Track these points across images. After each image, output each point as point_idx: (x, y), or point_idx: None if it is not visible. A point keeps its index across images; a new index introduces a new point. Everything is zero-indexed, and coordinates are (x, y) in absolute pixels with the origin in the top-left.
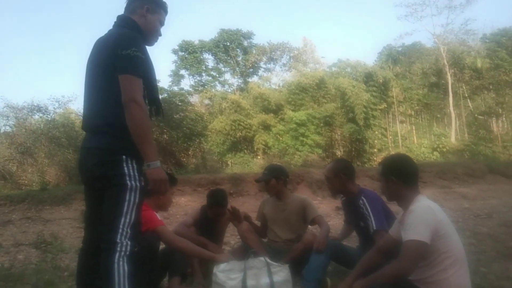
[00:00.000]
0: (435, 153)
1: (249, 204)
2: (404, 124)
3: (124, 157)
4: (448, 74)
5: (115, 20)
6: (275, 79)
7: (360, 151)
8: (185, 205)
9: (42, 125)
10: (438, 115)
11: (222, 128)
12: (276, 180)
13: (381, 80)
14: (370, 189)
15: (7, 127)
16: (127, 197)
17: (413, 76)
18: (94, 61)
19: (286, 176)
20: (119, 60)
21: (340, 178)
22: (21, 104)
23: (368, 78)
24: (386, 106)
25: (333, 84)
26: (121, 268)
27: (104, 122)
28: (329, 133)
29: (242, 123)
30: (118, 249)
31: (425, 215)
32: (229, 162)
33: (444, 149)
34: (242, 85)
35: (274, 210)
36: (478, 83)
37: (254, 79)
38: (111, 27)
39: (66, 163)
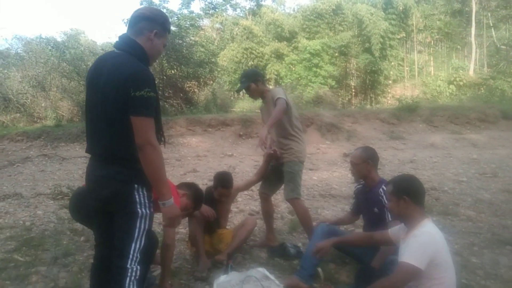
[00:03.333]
0: (451, 86)
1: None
2: (422, 54)
3: (136, 185)
4: (473, 1)
5: (117, 39)
6: (290, 2)
7: (375, 83)
8: (196, 146)
9: (52, 58)
10: (459, 46)
11: (233, 56)
12: (255, 83)
13: (401, 8)
14: (378, 133)
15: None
16: (138, 224)
17: (436, 0)
18: (101, 91)
19: (262, 76)
20: (132, 102)
21: (368, 164)
22: (29, 37)
23: (388, 5)
24: (404, 35)
25: (350, 11)
26: None
27: (114, 154)
28: (343, 63)
29: (254, 51)
30: (129, 274)
31: (426, 243)
32: (240, 92)
33: (461, 83)
34: (254, 8)
35: (264, 113)
36: (504, 12)
37: (268, 1)
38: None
39: (78, 96)
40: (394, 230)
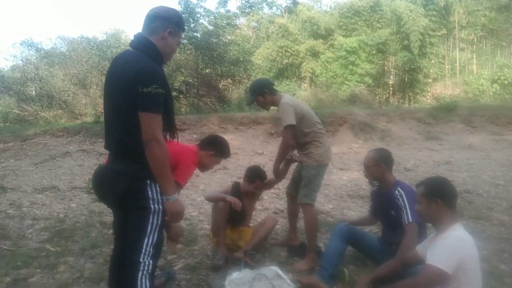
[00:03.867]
0: (494, 85)
1: None
2: (465, 52)
3: (148, 181)
4: None
5: (132, 38)
6: None
7: (414, 81)
8: None
9: (93, 56)
10: (504, 43)
11: (268, 54)
12: (261, 96)
13: (442, 4)
14: (414, 133)
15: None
16: (151, 220)
17: None
18: (114, 88)
19: (268, 86)
20: (140, 98)
21: (380, 167)
22: (71, 37)
23: (428, 1)
24: (445, 32)
25: (389, 7)
26: (143, 285)
27: (127, 150)
28: (381, 61)
29: (289, 50)
30: (141, 268)
31: (456, 247)
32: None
33: (506, 82)
34: (291, 6)
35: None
36: None
37: None
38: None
39: None
40: (421, 245)
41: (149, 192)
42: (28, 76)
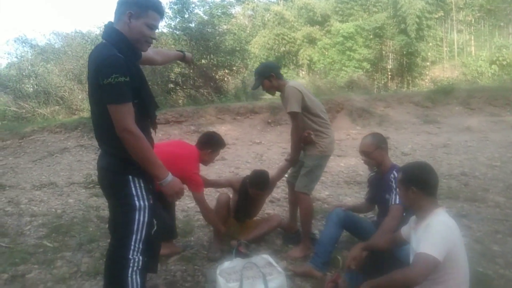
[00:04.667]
0: (493, 66)
1: (286, 134)
2: (463, 34)
3: (130, 177)
4: None
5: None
6: None
7: (412, 65)
8: (225, 134)
9: (88, 51)
10: (502, 23)
11: (265, 42)
12: (268, 79)
13: None
14: (412, 117)
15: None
16: (137, 217)
17: None
18: (88, 84)
19: (275, 70)
20: (103, 91)
21: (382, 149)
22: (65, 32)
23: None
24: (443, 14)
25: None
26: (134, 282)
27: (107, 146)
28: (378, 46)
29: (286, 37)
30: (131, 264)
31: (444, 233)
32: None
33: (504, 62)
34: None
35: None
36: None
37: None
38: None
39: None
40: (405, 228)
41: (133, 189)
42: (24, 73)
